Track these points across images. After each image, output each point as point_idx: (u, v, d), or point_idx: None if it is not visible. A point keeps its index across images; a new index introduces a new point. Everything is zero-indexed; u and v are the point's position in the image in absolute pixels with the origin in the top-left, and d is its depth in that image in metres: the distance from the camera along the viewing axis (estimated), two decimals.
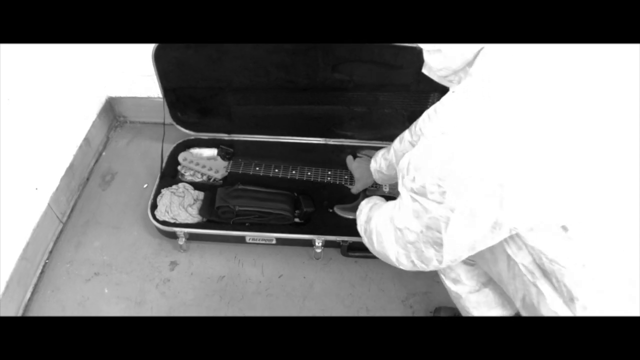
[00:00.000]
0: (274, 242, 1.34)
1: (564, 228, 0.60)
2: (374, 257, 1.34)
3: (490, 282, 0.98)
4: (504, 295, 0.98)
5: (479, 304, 0.99)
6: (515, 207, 0.61)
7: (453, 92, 0.69)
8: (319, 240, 1.30)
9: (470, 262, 0.98)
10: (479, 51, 0.69)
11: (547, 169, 0.58)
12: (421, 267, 0.78)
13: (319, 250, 1.31)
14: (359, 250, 1.33)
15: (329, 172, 1.41)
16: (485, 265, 0.86)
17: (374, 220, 0.87)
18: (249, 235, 1.32)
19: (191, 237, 1.35)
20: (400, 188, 0.75)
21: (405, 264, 0.80)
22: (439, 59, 0.76)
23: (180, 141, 1.53)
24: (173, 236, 1.34)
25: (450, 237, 0.68)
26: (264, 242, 1.35)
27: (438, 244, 0.70)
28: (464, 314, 1.06)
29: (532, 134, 0.57)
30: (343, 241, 1.30)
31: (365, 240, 0.92)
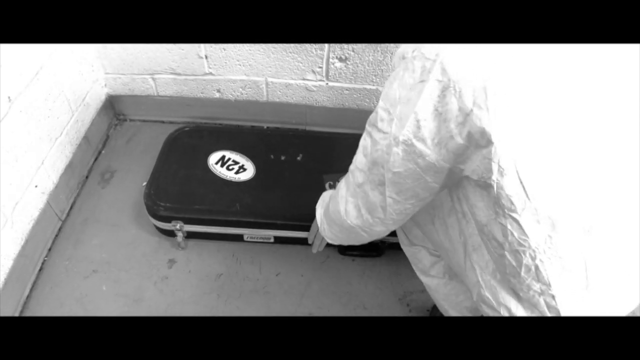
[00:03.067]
0: (271, 240, 1.35)
1: None
2: (371, 255, 1.36)
3: (456, 275, 0.99)
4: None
5: (447, 296, 1.00)
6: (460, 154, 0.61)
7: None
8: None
9: (436, 253, 0.99)
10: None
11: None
12: (367, 219, 0.79)
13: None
14: (357, 249, 1.33)
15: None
16: (446, 256, 0.87)
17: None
18: (247, 233, 1.33)
19: (189, 236, 1.36)
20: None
21: (352, 215, 0.81)
22: None
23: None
24: (171, 234, 1.35)
25: (392, 172, 0.67)
26: (262, 240, 1.35)
27: (382, 183, 0.70)
28: (438, 307, 1.07)
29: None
30: None
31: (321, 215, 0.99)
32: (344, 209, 0.82)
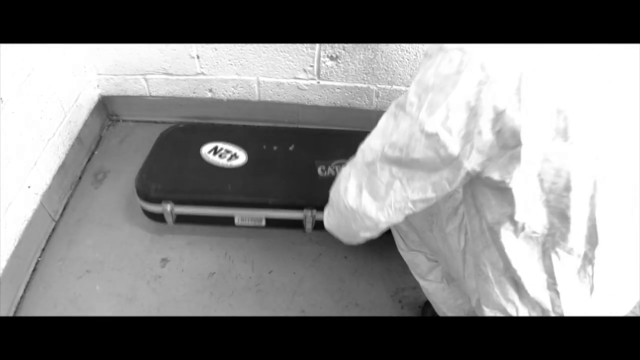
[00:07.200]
0: (263, 223, 1.35)
1: None
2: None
3: (454, 280, 1.00)
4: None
5: (446, 300, 1.00)
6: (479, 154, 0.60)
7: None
8: (309, 221, 1.32)
9: (433, 259, 0.99)
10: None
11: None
12: (363, 203, 0.74)
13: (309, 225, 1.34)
14: None
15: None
16: (444, 263, 0.87)
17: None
18: (238, 214, 1.33)
19: (179, 220, 1.35)
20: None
21: (351, 194, 0.76)
22: None
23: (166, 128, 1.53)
24: (161, 219, 1.35)
25: (410, 157, 0.66)
26: (253, 224, 1.36)
27: (395, 163, 0.68)
28: (435, 309, 1.07)
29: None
30: None
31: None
32: (344, 187, 0.78)
